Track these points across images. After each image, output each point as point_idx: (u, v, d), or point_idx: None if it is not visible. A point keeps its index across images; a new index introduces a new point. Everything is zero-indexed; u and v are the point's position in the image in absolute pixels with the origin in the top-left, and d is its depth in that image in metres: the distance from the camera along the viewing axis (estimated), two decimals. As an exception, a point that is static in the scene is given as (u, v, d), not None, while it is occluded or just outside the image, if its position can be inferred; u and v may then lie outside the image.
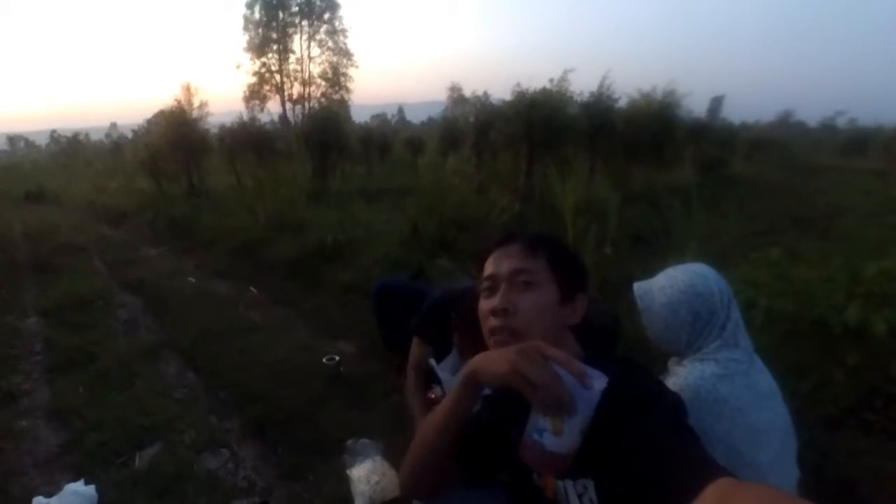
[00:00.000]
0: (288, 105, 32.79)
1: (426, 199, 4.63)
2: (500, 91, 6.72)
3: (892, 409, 1.84)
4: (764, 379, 1.14)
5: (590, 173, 7.21)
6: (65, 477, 1.79)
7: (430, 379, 1.92)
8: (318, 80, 33.23)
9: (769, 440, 1.07)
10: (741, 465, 1.03)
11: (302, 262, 4.47)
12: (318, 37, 33.03)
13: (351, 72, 33.64)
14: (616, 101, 7.38)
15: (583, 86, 7.26)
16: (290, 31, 32.70)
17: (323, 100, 31.48)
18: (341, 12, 33.24)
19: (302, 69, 33.24)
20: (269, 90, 32.80)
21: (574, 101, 6.68)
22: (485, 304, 0.88)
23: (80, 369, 2.68)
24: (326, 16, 32.91)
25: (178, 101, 10.42)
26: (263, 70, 32.70)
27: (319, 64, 33.40)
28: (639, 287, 1.24)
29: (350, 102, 32.73)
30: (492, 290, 0.87)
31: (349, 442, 1.75)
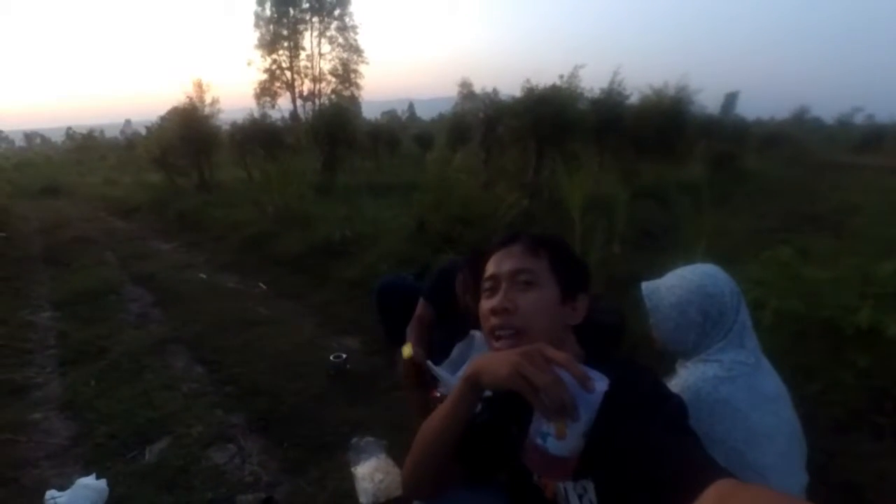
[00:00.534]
0: (298, 102, 32.89)
1: (432, 195, 4.62)
2: (512, 86, 6.69)
3: (903, 413, 1.82)
4: (769, 381, 1.13)
5: (599, 169, 7.16)
6: (76, 469, 1.83)
7: (428, 378, 1.94)
8: (329, 77, 33.31)
9: (772, 443, 1.06)
10: (743, 467, 1.02)
11: (309, 257, 4.51)
12: (328, 33, 33.10)
13: (362, 68, 33.69)
14: (627, 97, 7.32)
15: (595, 81, 7.21)
16: (301, 27, 32.78)
17: (333, 96, 31.55)
18: (351, 8, 33.24)
19: (312, 66, 33.34)
20: (280, 87, 32.95)
21: (584, 96, 6.62)
22: (486, 304, 0.88)
23: (91, 362, 2.72)
24: (337, 12, 32.93)
25: (190, 98, 10.49)
26: (274, 67, 32.84)
27: (330, 60, 33.48)
28: (647, 286, 1.23)
29: (360, 99, 32.80)
30: (493, 290, 0.88)
31: (354, 440, 1.77)
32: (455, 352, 1.93)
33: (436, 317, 2.00)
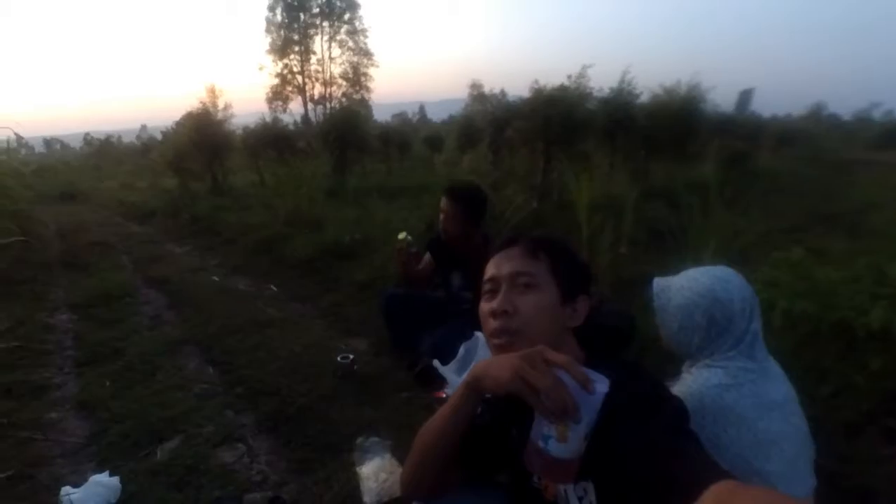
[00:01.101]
0: (310, 105, 33.25)
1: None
2: (523, 87, 6.67)
3: (916, 416, 1.78)
4: (777, 387, 1.11)
5: (609, 170, 7.12)
6: (90, 466, 1.87)
7: (432, 379, 2.00)
8: (339, 81, 33.64)
9: (780, 450, 1.04)
10: (749, 474, 1.02)
11: (319, 259, 4.55)
12: (338, 37, 33.52)
13: (372, 71, 34.05)
14: (637, 96, 7.26)
15: (605, 81, 7.17)
16: (311, 32, 33.23)
17: (344, 100, 31.83)
18: (361, 12, 33.56)
19: (323, 69, 33.72)
20: (292, 91, 33.39)
21: (593, 96, 6.59)
22: (485, 306, 0.89)
23: (106, 363, 2.78)
24: (346, 16, 33.32)
25: (203, 104, 10.67)
26: (285, 71, 33.28)
27: (340, 64, 33.89)
28: (658, 283, 1.22)
29: (371, 102, 33.06)
30: (493, 293, 0.89)
31: (359, 440, 1.79)
32: (461, 351, 1.95)
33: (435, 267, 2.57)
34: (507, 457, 0.92)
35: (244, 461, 1.87)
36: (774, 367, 1.15)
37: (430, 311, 2.55)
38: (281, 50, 32.97)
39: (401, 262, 2.53)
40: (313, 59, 33.66)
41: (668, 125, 7.08)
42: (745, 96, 16.73)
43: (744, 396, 1.05)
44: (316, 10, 32.98)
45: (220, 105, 11.05)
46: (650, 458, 0.68)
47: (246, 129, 11.01)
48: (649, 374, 0.85)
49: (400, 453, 1.73)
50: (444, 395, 1.92)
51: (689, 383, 1.11)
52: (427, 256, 2.63)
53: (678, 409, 0.81)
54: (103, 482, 1.67)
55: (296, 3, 32.42)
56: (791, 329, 2.07)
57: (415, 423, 1.84)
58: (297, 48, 33.25)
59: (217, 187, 9.92)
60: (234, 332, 3.14)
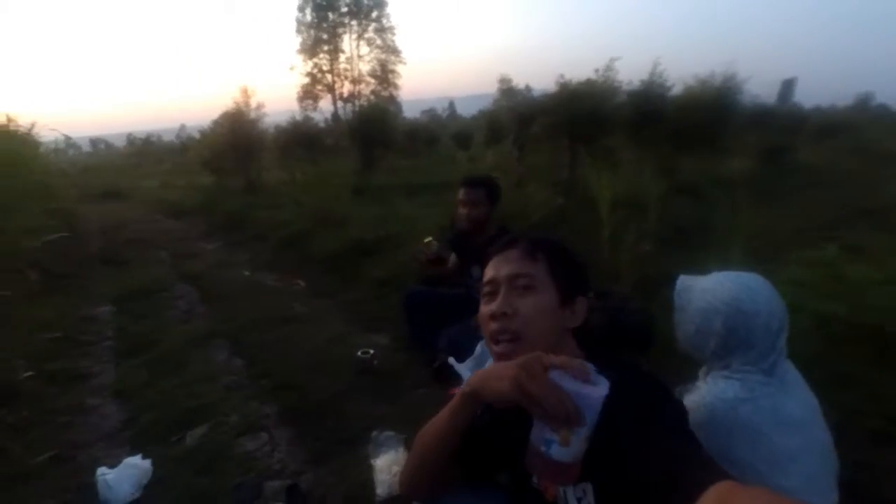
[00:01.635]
0: (339, 103, 33.70)
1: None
2: (551, 81, 6.55)
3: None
4: (797, 401, 1.05)
5: (638, 165, 6.94)
6: (124, 450, 1.99)
7: (449, 376, 2.03)
8: (368, 78, 33.97)
9: (798, 465, 1.00)
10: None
11: (343, 256, 4.63)
12: (366, 35, 33.81)
13: (402, 68, 34.26)
14: (668, 88, 7.05)
15: (636, 73, 6.98)
16: (340, 31, 33.66)
17: (372, 97, 32.13)
18: (389, 10, 33.74)
19: (351, 68, 34.10)
20: (321, 89, 33.92)
21: (620, 90, 6.45)
22: (485, 309, 0.90)
23: (142, 354, 2.93)
24: (374, 14, 33.55)
25: (237, 104, 10.97)
26: (315, 70, 33.81)
27: (368, 62, 34.17)
28: (682, 282, 1.17)
29: (400, 98, 33.24)
30: (492, 295, 0.89)
31: (374, 433, 1.83)
32: (478, 349, 1.98)
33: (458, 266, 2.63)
34: (507, 457, 0.93)
35: (265, 450, 1.96)
36: (796, 379, 1.09)
37: (450, 308, 2.58)
38: (311, 49, 33.56)
39: (422, 263, 2.64)
40: (342, 57, 34.17)
41: (699, 118, 6.84)
42: (788, 86, 15.94)
43: (760, 411, 1.01)
44: (344, 9, 33.40)
45: (253, 105, 11.21)
46: (649, 460, 0.68)
47: (278, 127, 11.27)
48: (650, 375, 0.85)
49: (413, 447, 1.76)
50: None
51: (703, 394, 1.07)
52: (454, 256, 2.68)
53: (678, 411, 0.80)
54: (136, 464, 1.78)
55: (324, 3, 32.91)
56: (818, 332, 1.99)
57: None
58: (326, 47, 33.77)
59: (250, 185, 10.20)
60: (260, 326, 3.26)
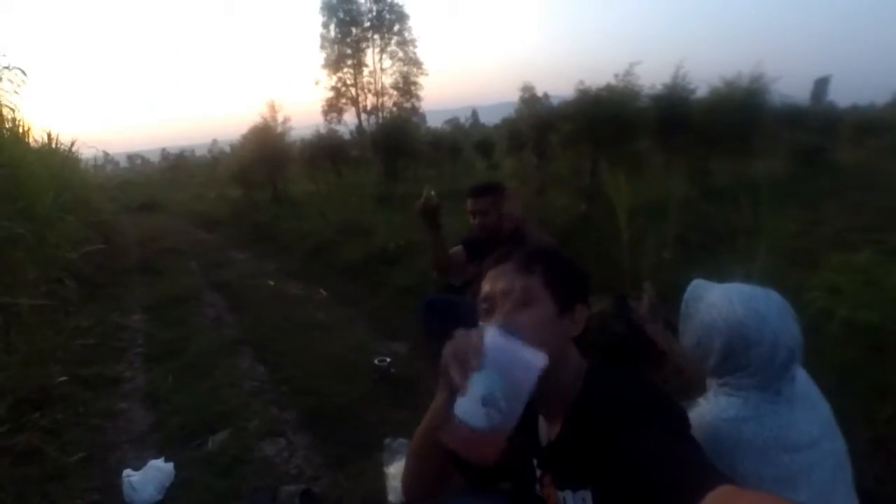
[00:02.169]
0: (363, 116, 34.29)
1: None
2: (572, 88, 6.49)
3: None
4: (806, 419, 0.99)
5: (665, 169, 6.81)
6: (150, 453, 2.05)
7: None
8: (391, 91, 34.49)
9: (810, 481, 0.94)
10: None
11: (366, 265, 4.70)
12: (389, 48, 34.36)
13: (425, 79, 34.64)
14: (692, 91, 6.92)
15: (659, 76, 6.87)
16: (363, 45, 34.34)
17: (394, 109, 32.59)
18: (410, 22, 34.27)
19: (374, 81, 34.69)
20: (345, 103, 34.59)
21: (643, 94, 6.35)
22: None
23: (171, 360, 3.02)
24: (396, 27, 34.12)
25: (264, 118, 11.32)
26: (339, 84, 34.54)
27: (391, 74, 34.69)
28: (694, 288, 1.10)
29: (422, 109, 33.58)
30: (489, 311, 0.89)
31: (387, 441, 1.84)
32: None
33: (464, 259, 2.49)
34: (509, 464, 0.92)
35: (284, 455, 1.99)
36: (806, 392, 1.03)
37: (467, 315, 2.55)
38: (335, 64, 34.32)
39: (427, 213, 2.44)
40: (365, 71, 34.82)
41: (728, 120, 6.67)
42: (821, 85, 15.40)
43: (765, 429, 0.96)
44: (367, 24, 34.10)
45: (280, 119, 11.56)
46: (650, 464, 0.67)
47: (303, 140, 11.58)
48: (649, 381, 0.83)
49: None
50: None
51: (704, 412, 1.02)
52: (458, 249, 2.58)
53: (679, 416, 0.79)
54: (159, 467, 1.84)
55: (348, 19, 33.67)
56: (851, 341, 1.90)
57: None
58: (349, 62, 34.47)
59: (277, 197, 10.48)
60: (284, 334, 3.33)
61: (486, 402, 0.66)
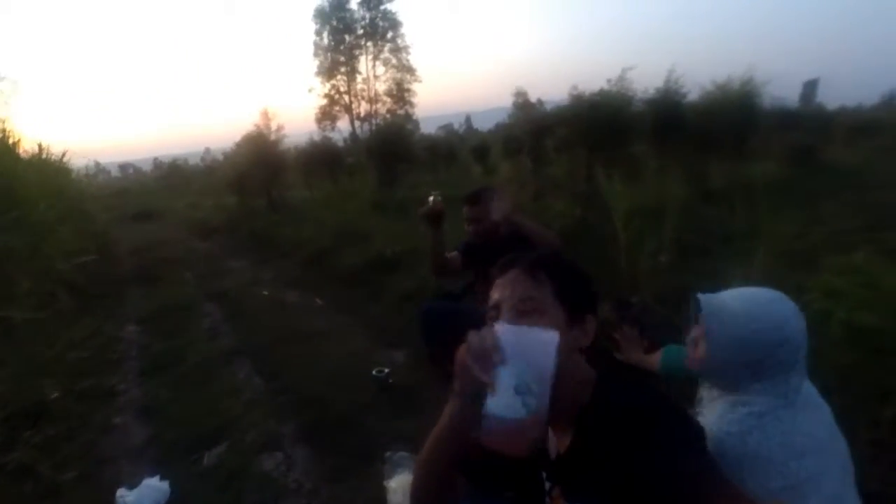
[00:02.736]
0: (357, 123, 34.33)
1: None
2: (565, 92, 6.50)
3: None
4: (810, 421, 0.99)
5: (660, 173, 6.82)
6: (146, 469, 2.01)
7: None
8: (384, 98, 34.56)
9: (818, 487, 0.94)
10: None
11: (364, 272, 4.67)
12: (382, 56, 34.47)
13: (419, 86, 34.76)
14: (685, 95, 6.96)
15: (651, 80, 6.89)
16: (357, 52, 34.42)
17: (388, 116, 32.63)
18: (403, 30, 34.41)
19: (368, 88, 34.77)
20: (339, 110, 34.63)
21: (636, 98, 6.39)
22: None
23: (167, 372, 2.99)
24: (389, 35, 34.25)
25: (258, 127, 11.31)
26: (333, 92, 34.59)
27: (385, 81, 34.78)
28: (707, 304, 1.05)
29: (416, 116, 33.65)
30: (497, 319, 0.88)
31: (388, 454, 1.81)
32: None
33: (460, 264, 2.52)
34: (515, 473, 0.91)
35: (282, 469, 1.96)
36: (808, 394, 1.02)
37: (467, 322, 2.53)
38: (328, 72, 34.37)
39: (432, 217, 2.44)
40: (359, 78, 34.90)
41: (722, 123, 6.71)
42: (810, 88, 15.53)
43: (769, 438, 0.95)
44: (360, 32, 34.18)
45: (274, 126, 11.57)
46: (661, 479, 0.66)
47: (297, 148, 11.56)
48: (663, 394, 0.83)
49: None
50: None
51: (709, 425, 0.99)
52: (454, 255, 2.60)
53: (693, 429, 0.78)
54: (154, 486, 1.81)
55: (341, 26, 33.76)
56: (851, 344, 1.89)
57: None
58: (343, 69, 34.53)
59: (273, 204, 10.44)
60: (282, 344, 3.29)
61: (520, 390, 0.67)
